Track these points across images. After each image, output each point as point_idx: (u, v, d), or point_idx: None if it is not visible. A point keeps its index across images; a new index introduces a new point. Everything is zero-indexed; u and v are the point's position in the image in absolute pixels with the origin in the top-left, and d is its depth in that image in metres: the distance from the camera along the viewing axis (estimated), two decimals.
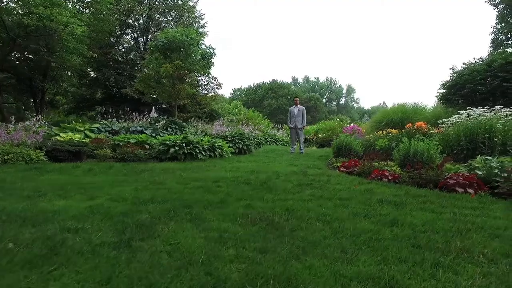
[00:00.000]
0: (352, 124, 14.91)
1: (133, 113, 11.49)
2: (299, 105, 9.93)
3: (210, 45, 15.20)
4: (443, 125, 6.76)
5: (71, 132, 9.34)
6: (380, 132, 9.15)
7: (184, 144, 7.27)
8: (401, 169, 4.84)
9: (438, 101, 9.87)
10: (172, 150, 7.16)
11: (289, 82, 69.88)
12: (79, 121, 12.09)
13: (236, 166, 6.45)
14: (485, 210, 2.62)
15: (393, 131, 8.77)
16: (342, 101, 77.80)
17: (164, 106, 19.11)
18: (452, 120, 6.57)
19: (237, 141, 9.25)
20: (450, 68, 9.19)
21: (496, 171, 3.54)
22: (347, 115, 53.58)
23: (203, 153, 7.45)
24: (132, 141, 8.22)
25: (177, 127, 11.16)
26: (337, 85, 78.07)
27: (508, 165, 3.63)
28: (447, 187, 3.51)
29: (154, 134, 9.76)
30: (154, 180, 4.46)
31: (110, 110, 16.73)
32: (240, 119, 15.14)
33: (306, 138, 15.90)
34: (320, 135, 14.77)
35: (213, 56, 13.76)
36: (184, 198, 3.31)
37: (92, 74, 19.75)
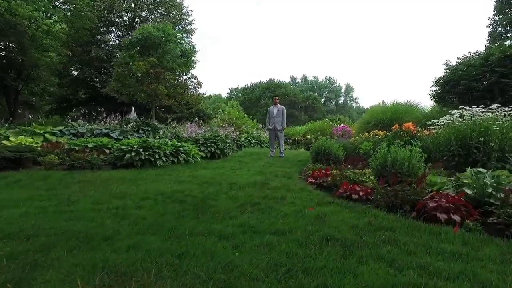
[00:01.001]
0: (342, 125, 14.06)
1: (114, 114, 10.62)
2: (278, 104, 9.09)
3: (190, 41, 14.40)
4: (433, 127, 5.92)
5: (30, 135, 8.53)
6: (367, 134, 8.32)
7: (141, 150, 6.44)
8: (377, 180, 4.01)
9: (431, 99, 9.02)
10: (127, 156, 6.33)
11: (287, 82, 69.11)
12: (49, 122, 11.28)
13: (194, 174, 5.63)
14: (470, 259, 1.77)
15: (381, 132, 7.93)
16: (341, 100, 76.91)
17: (148, 106, 18.29)
18: (443, 121, 5.73)
19: (209, 144, 8.42)
20: (444, 63, 8.34)
21: (490, 189, 2.70)
22: (346, 115, 52.70)
23: (164, 159, 6.62)
24: (90, 145, 7.39)
25: (149, 129, 10.34)
26: (335, 84, 77.21)
27: (506, 181, 2.78)
28: (427, 212, 2.68)
29: (121, 137, 8.94)
30: (69, 197, 3.63)
31: (93, 112, 15.91)
32: (223, 119, 14.28)
33: (295, 139, 15.06)
34: (308, 136, 13.93)
35: (194, 54, 12.94)
36: (74, 228, 2.49)
37: (75, 73, 18.94)
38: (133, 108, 15.03)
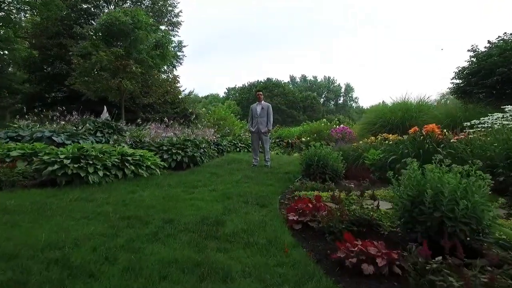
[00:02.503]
0: (341, 126, 12.35)
1: (94, 115, 8.91)
2: (263, 101, 7.37)
3: (165, 30, 12.56)
4: (471, 130, 4.22)
5: None
6: (373, 137, 6.61)
7: (68, 161, 4.72)
8: (406, 231, 2.28)
9: (452, 94, 7.29)
10: (49, 169, 4.62)
11: (286, 81, 67.52)
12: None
13: (130, 199, 3.91)
14: None
15: (391, 136, 6.23)
16: (341, 100, 75.33)
17: (126, 105, 16.52)
18: (485, 124, 4.04)
19: (174, 151, 6.69)
20: (470, 50, 6.60)
21: None
22: (345, 115, 51.01)
23: (101, 173, 4.89)
24: (14, 153, 5.68)
25: (111, 131, 8.61)
26: (335, 84, 75.66)
27: None
28: None
29: (69, 142, 7.21)
30: None
31: (76, 112, 14.11)
32: (208, 119, 12.54)
33: (288, 142, 13.33)
34: (303, 139, 12.21)
35: (169, 45, 11.20)
36: None
37: (48, 69, 17.18)
38: (105, 107, 13.24)
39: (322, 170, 5.03)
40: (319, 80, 76.01)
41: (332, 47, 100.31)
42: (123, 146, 6.39)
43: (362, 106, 73.90)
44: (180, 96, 18.45)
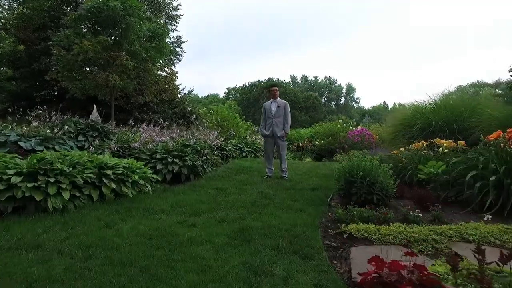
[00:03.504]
0: (360, 127, 11.03)
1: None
2: (279, 98, 6.03)
3: (161, 21, 11.12)
4: None
5: None
6: (419, 144, 5.27)
7: (19, 179, 3.38)
8: None
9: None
10: None
11: (287, 81, 66.47)
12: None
13: (96, 241, 2.59)
14: None
15: (445, 142, 4.92)
16: (342, 100, 74.15)
17: (120, 105, 15.14)
18: None
19: (170, 160, 5.35)
20: None
21: None
22: (347, 115, 49.80)
23: (65, 195, 3.54)
24: None
25: (96, 134, 7.27)
26: (336, 84, 74.54)
27: None
28: None
29: (41, 148, 5.85)
30: None
31: (69, 111, 12.70)
32: (210, 120, 11.20)
33: (299, 145, 11.99)
34: (317, 142, 10.88)
35: (166, 36, 9.87)
36: None
37: (34, 65, 15.76)
38: (94, 107, 11.86)
39: (369, 190, 3.70)
40: (319, 80, 74.91)
41: (332, 47, 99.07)
42: (105, 155, 5.04)
43: (363, 107, 72.83)
44: (179, 95, 17.10)
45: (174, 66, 17.95)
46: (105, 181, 3.90)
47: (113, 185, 3.94)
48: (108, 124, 9.09)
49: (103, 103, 12.75)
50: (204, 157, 6.35)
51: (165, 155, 5.45)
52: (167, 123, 6.99)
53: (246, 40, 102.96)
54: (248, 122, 13.19)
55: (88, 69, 8.63)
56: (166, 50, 10.15)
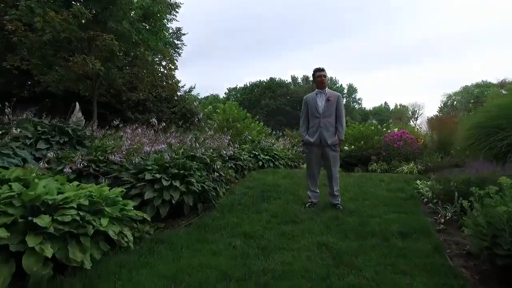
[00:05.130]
0: (399, 130, 9.10)
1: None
2: (327, 89, 4.06)
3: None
4: None
5: None
6: None
7: None
8: None
9: None
10: None
11: (288, 81, 64.74)
12: None
13: None
14: None
15: None
16: (343, 101, 72.45)
17: (111, 103, 13.10)
18: None
19: (166, 183, 3.38)
20: None
21: None
22: (349, 116, 48.06)
23: None
24: None
25: (65, 140, 5.32)
26: (337, 85, 72.85)
27: None
28: None
29: None
30: None
31: (56, 111, 10.60)
32: (218, 120, 9.22)
33: None
34: (346, 147, 8.94)
35: (164, 15, 7.90)
36: None
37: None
38: (76, 104, 9.85)
39: None
40: None
41: (333, 47, 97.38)
42: (62, 175, 3.06)
43: (365, 108, 71.07)
44: (178, 93, 15.12)
45: (176, 60, 15.95)
46: (32, 242, 1.92)
47: (50, 250, 1.96)
48: (88, 125, 7.16)
49: (86, 100, 10.75)
50: (217, 174, 4.40)
51: (158, 175, 3.47)
52: (163, 124, 5.01)
53: (246, 40, 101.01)
54: (260, 123, 11.26)
55: (62, 54, 6.65)
56: (162, 35, 8.18)
